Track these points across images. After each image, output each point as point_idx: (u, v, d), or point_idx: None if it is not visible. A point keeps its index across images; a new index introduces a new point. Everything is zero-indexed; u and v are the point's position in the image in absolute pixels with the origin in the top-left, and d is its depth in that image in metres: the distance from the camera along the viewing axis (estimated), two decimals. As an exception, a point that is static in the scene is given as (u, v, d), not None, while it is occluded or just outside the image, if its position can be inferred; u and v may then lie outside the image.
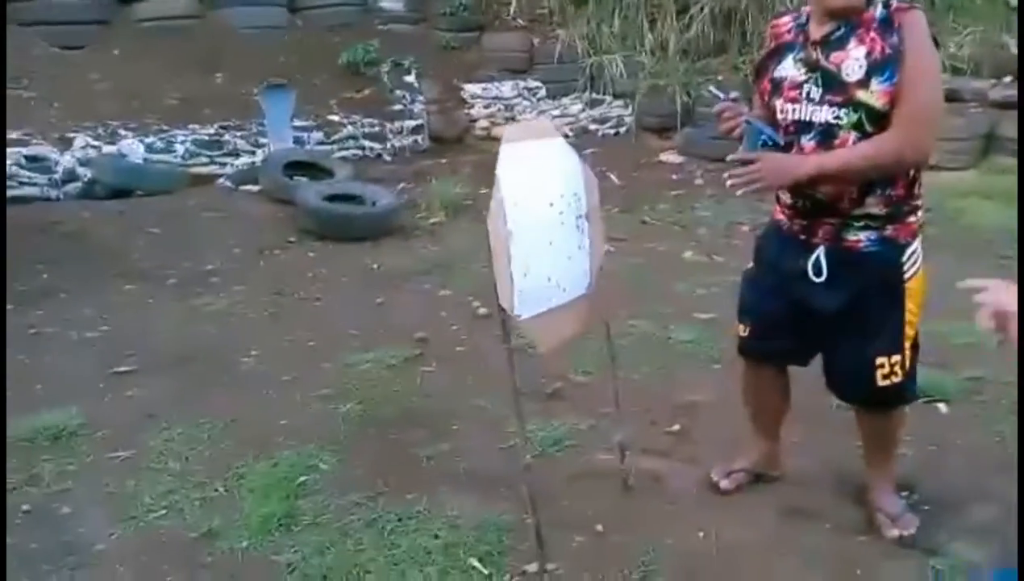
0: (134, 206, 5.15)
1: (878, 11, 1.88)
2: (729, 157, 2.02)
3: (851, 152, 1.88)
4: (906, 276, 1.98)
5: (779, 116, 2.02)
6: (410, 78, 7.46)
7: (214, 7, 7.26)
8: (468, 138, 7.58)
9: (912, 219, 1.99)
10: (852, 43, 1.88)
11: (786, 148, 1.99)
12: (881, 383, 2.04)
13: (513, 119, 7.69)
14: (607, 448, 2.66)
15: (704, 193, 6.24)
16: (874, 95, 1.85)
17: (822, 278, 2.02)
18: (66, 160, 5.55)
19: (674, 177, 6.95)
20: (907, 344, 2.02)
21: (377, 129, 6.96)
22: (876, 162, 1.86)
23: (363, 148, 6.87)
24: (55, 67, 6.32)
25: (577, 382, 3.27)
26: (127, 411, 3.04)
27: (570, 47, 7.76)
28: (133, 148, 5.77)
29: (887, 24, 1.85)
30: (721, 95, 2.15)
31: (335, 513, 2.43)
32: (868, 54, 1.86)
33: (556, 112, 7.80)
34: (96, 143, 5.74)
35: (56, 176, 5.50)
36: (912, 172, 1.96)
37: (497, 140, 7.54)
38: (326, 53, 7.34)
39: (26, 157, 5.45)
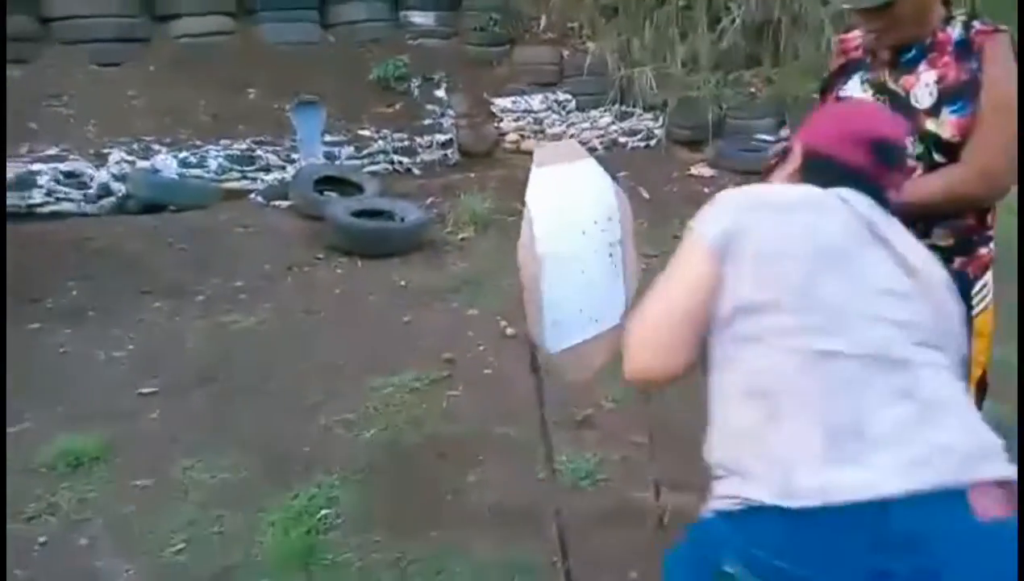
0: (166, 221, 5.09)
1: (956, 32, 1.69)
2: None
3: (919, 187, 1.69)
4: (974, 312, 1.79)
5: None
6: (440, 92, 7.35)
7: (248, 24, 7.22)
8: (497, 152, 7.45)
9: (983, 251, 1.80)
10: (923, 66, 1.69)
11: None
12: None
13: (542, 132, 7.56)
14: (640, 483, 2.49)
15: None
16: (944, 125, 1.66)
17: None
18: (101, 176, 5.53)
19: (705, 190, 6.75)
20: (972, 386, 1.83)
21: (407, 143, 6.86)
22: (946, 198, 1.67)
23: (393, 162, 6.77)
24: (93, 84, 6.32)
25: (608, 409, 3.11)
26: (150, 435, 2.95)
27: (600, 60, 7.60)
28: (167, 163, 5.73)
29: (965, 48, 1.67)
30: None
31: (356, 552, 2.30)
32: (940, 80, 1.67)
33: (586, 125, 7.65)
34: (130, 158, 5.71)
35: (91, 191, 5.48)
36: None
37: (526, 154, 7.40)
38: (358, 68, 7.26)
39: (63, 173, 5.44)
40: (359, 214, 5.03)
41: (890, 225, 1.31)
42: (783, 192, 1.36)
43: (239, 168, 6.02)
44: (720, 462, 1.17)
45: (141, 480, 2.67)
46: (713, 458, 1.20)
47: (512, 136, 7.53)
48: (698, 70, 7.61)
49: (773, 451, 1.09)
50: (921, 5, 1.68)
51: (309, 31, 7.38)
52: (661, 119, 7.58)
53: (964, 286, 1.78)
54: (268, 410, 3.10)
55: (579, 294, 1.99)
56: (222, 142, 6.17)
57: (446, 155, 7.10)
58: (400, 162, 6.81)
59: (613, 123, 7.68)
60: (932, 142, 1.68)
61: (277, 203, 5.58)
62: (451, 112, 7.29)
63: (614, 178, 2.09)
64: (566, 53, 7.83)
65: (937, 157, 1.69)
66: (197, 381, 3.34)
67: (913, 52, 1.71)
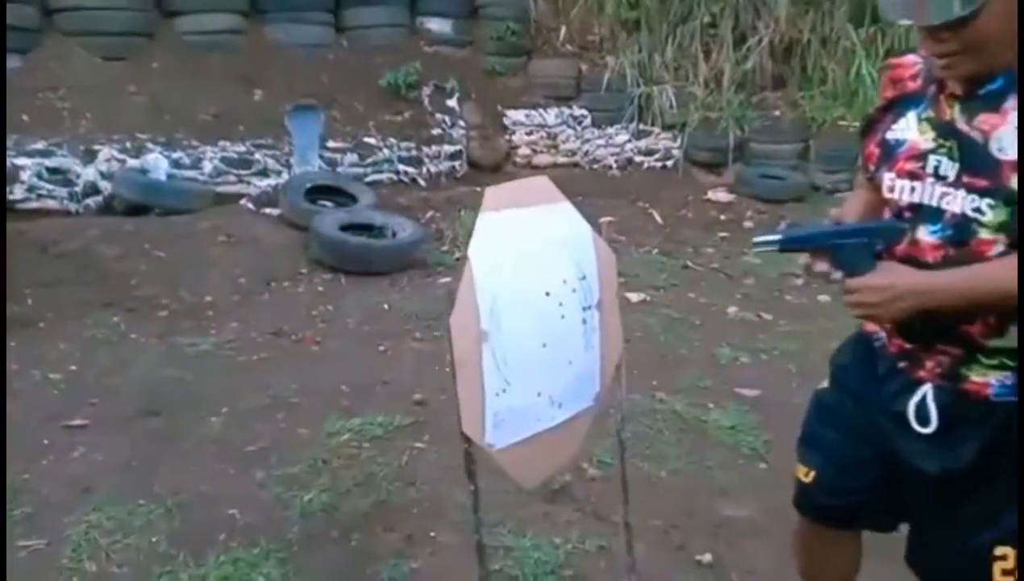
0: (147, 225, 4.66)
1: None
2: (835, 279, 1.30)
3: (993, 275, 1.17)
4: None
5: (887, 194, 1.31)
6: (452, 102, 6.88)
7: (259, 23, 6.80)
8: (507, 166, 6.97)
9: None
10: (1011, 101, 1.17)
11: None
12: (1001, 580, 1.32)
13: (555, 148, 7.08)
14: (617, 583, 1.98)
15: (754, 237, 5.48)
16: None
17: (929, 429, 1.31)
18: (88, 173, 5.13)
19: (722, 217, 6.22)
20: None
21: (414, 153, 6.40)
22: (1011, 291, 1.15)
23: (398, 172, 6.32)
24: (92, 77, 5.92)
25: (591, 476, 2.60)
26: (63, 481, 2.48)
27: (619, 75, 7.09)
28: (157, 163, 5.31)
29: None
30: (774, 237, 1.36)
31: (260, 659, 1.81)
32: None
33: (601, 142, 7.15)
34: (121, 156, 5.31)
35: (77, 189, 5.08)
36: None
37: (538, 169, 6.87)
38: (368, 74, 6.81)
39: (48, 168, 5.04)
40: (348, 227, 4.57)
41: None
42: None
43: (235, 171, 5.60)
44: None
45: (35, 541, 2.20)
46: None
47: (524, 150, 7.06)
48: (720, 90, 7.08)
49: None
50: (1011, 17, 1.13)
51: (321, 34, 6.95)
52: (680, 140, 7.07)
53: None
54: (202, 457, 2.63)
55: (538, 372, 1.49)
56: (220, 144, 5.75)
57: (454, 167, 6.64)
58: (405, 172, 6.36)
59: (629, 141, 7.18)
60: (1019, 207, 1.16)
61: (268, 211, 5.13)
62: (462, 123, 6.82)
63: (594, 226, 1.59)
64: (584, 67, 7.34)
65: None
66: (135, 415, 2.88)
67: (1000, 83, 1.18)
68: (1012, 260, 1.16)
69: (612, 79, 7.06)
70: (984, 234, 1.20)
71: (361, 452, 2.69)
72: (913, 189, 1.27)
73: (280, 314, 3.88)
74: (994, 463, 1.27)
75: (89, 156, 5.25)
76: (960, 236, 1.22)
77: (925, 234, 1.26)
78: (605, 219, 1.67)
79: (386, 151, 6.26)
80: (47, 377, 3.13)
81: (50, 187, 5.00)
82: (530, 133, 7.02)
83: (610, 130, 7.16)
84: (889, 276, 1.24)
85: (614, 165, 7.11)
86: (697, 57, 7.11)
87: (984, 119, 1.19)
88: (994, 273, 1.18)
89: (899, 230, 1.28)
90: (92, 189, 5.12)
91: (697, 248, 5.41)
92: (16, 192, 4.88)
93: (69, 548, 2.17)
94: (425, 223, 5.29)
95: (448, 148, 6.56)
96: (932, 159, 1.25)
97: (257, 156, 5.72)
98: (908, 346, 1.32)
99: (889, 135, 1.33)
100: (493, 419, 1.43)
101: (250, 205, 5.20)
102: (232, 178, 5.60)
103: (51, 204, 4.99)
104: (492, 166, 6.82)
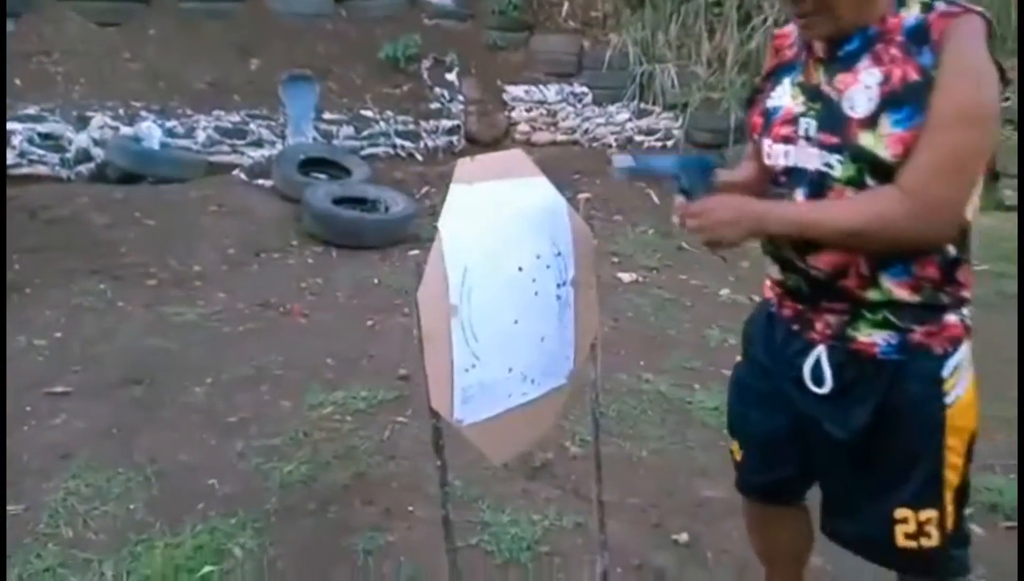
0: (138, 193, 4.63)
1: (911, 16, 1.17)
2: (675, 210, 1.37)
3: (828, 210, 1.22)
4: (948, 399, 1.25)
5: (766, 161, 1.34)
6: (451, 76, 6.81)
7: (260, -9, 6.71)
8: (506, 142, 6.90)
9: (952, 319, 1.25)
10: (866, 61, 1.20)
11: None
12: (903, 544, 1.30)
13: (555, 125, 7.02)
14: (593, 559, 1.98)
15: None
16: (882, 140, 1.16)
17: (825, 390, 1.32)
18: (80, 139, 5.09)
19: (721, 199, 6.17)
20: (948, 495, 1.28)
21: (411, 127, 6.34)
22: (868, 229, 1.18)
23: (395, 146, 6.26)
24: (87, 43, 5.86)
25: (572, 455, 2.60)
26: (43, 447, 2.49)
27: (622, 53, 7.00)
28: (150, 131, 5.26)
29: (920, 36, 1.15)
30: (625, 163, 1.47)
31: (231, 627, 1.82)
32: (885, 80, 1.17)
33: (601, 120, 7.08)
34: (114, 124, 5.26)
35: (69, 155, 5.04)
36: (952, 248, 1.23)
37: (537, 146, 6.78)
38: (367, 45, 6.73)
39: (40, 134, 5.00)
40: (340, 201, 4.53)
41: None
42: None
43: (229, 141, 5.55)
44: None
45: (11, 505, 2.20)
46: None
47: (523, 127, 6.99)
48: (723, 70, 6.99)
49: None
50: None
51: (320, 4, 6.86)
52: (681, 119, 6.99)
53: (931, 365, 1.24)
54: (184, 426, 2.63)
55: (509, 350, 1.47)
56: (214, 113, 5.70)
57: (451, 142, 6.58)
58: (402, 146, 6.30)
59: (630, 120, 7.10)
60: (867, 162, 1.18)
61: (261, 182, 5.09)
62: (460, 98, 6.75)
63: (570, 200, 1.56)
64: (586, 44, 7.25)
65: (872, 182, 1.19)
66: (118, 383, 2.88)
67: (855, 43, 1.22)
68: (850, 200, 1.21)
69: (614, 56, 6.97)
70: (837, 190, 1.23)
71: (343, 425, 2.69)
72: (787, 153, 1.30)
73: (268, 286, 3.86)
74: (890, 425, 1.28)
75: (82, 122, 5.20)
76: (817, 193, 1.25)
77: (800, 196, 1.28)
78: (583, 195, 1.63)
79: (383, 124, 6.20)
80: (32, 343, 3.12)
81: (41, 153, 4.97)
82: (530, 109, 6.95)
83: (611, 108, 7.09)
84: (727, 200, 1.30)
85: (614, 144, 7.05)
86: (701, 36, 7.02)
87: (840, 79, 1.23)
88: (829, 207, 1.23)
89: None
90: (84, 156, 5.08)
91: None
92: (7, 157, 4.84)
93: (46, 514, 2.18)
94: (420, 198, 5.26)
95: (446, 123, 6.51)
96: (803, 122, 1.28)
97: (251, 126, 5.67)
98: (799, 307, 1.35)
99: (769, 103, 1.35)
100: (462, 394, 1.41)
101: (243, 176, 5.17)
102: (226, 148, 5.55)
103: (42, 170, 4.96)
104: (490, 142, 6.75)
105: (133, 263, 3.85)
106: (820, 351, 1.32)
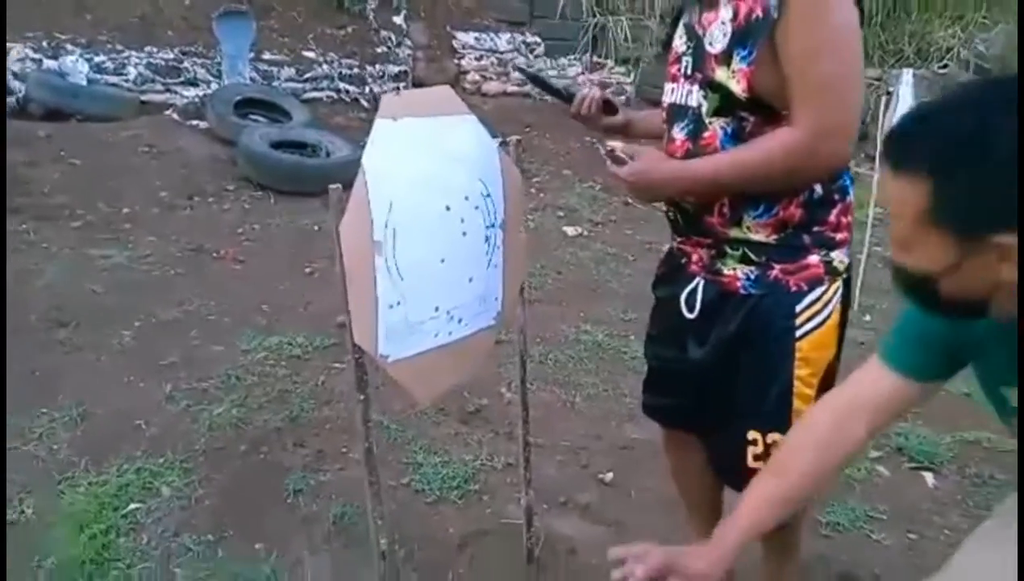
0: (63, 131, 4.48)
1: None
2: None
3: (737, 155, 1.28)
4: (799, 333, 1.35)
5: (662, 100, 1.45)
6: (399, 19, 6.69)
7: (194, -80, 6.43)
8: (456, 91, 6.83)
9: (813, 259, 1.34)
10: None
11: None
12: (752, 464, 1.41)
13: (506, 75, 6.96)
14: (519, 499, 2.08)
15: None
16: (734, 76, 1.25)
17: (693, 315, 1.44)
18: (-2, 72, 4.85)
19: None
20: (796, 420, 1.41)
21: (356, 71, 6.23)
22: (759, 172, 1.26)
23: (338, 91, 6.15)
24: (5, -33, 5.55)
25: (507, 400, 2.68)
26: (-39, 388, 2.45)
27: (575, 3, 6.97)
28: (76, 67, 5.05)
29: None
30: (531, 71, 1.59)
31: (157, 560, 1.86)
32: (734, 16, 1.25)
33: (553, 72, 7.05)
34: (36, 56, 5.03)
35: (-15, 89, 4.81)
36: (819, 187, 1.31)
37: (488, 97, 6.69)
38: (311, -18, 6.55)
39: (-47, 64, 4.75)
40: (279, 145, 4.46)
41: None
42: None
43: (161, 79, 5.37)
44: None
45: (-71, 446, 2.18)
46: None
47: (473, 76, 6.92)
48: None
49: None
50: None
51: (261, -64, 6.61)
52: (633, 75, 7.02)
53: (785, 300, 1.35)
54: (111, 370, 2.62)
55: (436, 287, 1.52)
56: (146, 49, 5.50)
57: (398, 88, 6.47)
58: (346, 91, 6.19)
59: (582, 73, 7.10)
60: (725, 97, 1.27)
61: (195, 123, 4.97)
62: (408, 42, 6.65)
63: (501, 142, 1.60)
64: (539, -9, 7.18)
65: (742, 115, 1.28)
66: (42, 325, 2.84)
67: None
68: (727, 152, 1.29)
69: (567, 6, 6.94)
70: (709, 124, 1.31)
71: (277, 370, 2.72)
72: (672, 90, 1.40)
73: (202, 230, 3.81)
74: (745, 351, 1.39)
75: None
76: (696, 129, 1.34)
77: (677, 132, 1.37)
78: (513, 138, 1.67)
79: (326, 67, 6.08)
80: (-53, 283, 3.04)
81: (-45, 85, 4.73)
82: (480, 58, 6.89)
83: (563, 60, 7.08)
84: (655, 162, 1.37)
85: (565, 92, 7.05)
86: (655, -11, 7.03)
87: (706, 16, 1.31)
88: (737, 152, 1.29)
89: None
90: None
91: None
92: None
93: (-35, 454, 2.16)
94: (363, 145, 5.19)
95: (392, 68, 6.41)
96: (684, 60, 1.37)
97: (186, 64, 5.49)
98: (679, 240, 1.47)
99: (674, 45, 1.42)
100: (386, 331, 1.46)
101: (176, 116, 5.03)
102: (159, 86, 5.38)
103: (-44, 103, 4.73)
104: (438, 90, 6.69)
105: (57, 203, 3.75)
106: (699, 282, 1.43)
